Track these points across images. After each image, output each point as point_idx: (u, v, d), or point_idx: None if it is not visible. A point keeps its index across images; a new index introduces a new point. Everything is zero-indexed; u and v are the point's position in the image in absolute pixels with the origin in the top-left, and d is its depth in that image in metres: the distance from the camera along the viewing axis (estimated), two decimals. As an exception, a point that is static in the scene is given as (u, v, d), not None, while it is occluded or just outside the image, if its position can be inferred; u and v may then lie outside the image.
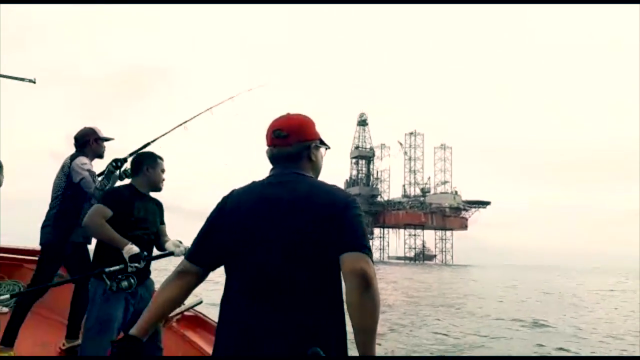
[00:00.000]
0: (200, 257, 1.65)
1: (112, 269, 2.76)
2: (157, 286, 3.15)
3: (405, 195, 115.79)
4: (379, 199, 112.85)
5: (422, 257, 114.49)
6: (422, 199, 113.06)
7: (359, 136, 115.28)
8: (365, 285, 1.42)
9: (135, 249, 2.81)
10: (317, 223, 1.52)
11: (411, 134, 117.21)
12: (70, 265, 3.70)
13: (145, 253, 2.92)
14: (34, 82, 5.44)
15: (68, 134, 3.88)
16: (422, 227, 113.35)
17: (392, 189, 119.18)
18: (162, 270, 3.04)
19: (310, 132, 1.74)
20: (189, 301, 3.95)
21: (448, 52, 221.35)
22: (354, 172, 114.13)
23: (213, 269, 1.67)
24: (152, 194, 3.13)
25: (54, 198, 3.62)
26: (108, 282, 2.72)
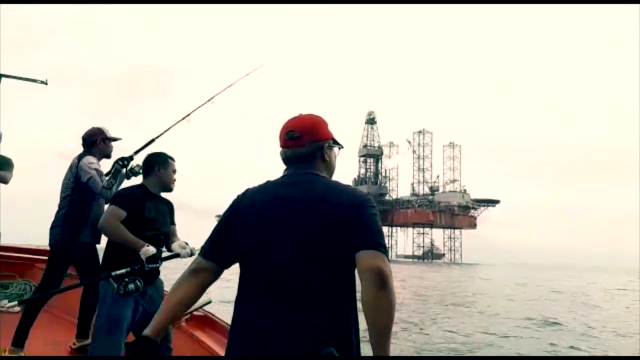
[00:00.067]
0: (216, 254, 1.63)
1: (118, 272, 2.76)
2: (166, 286, 3.19)
3: (413, 194, 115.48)
4: (387, 197, 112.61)
5: (430, 255, 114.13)
6: (430, 197, 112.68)
7: (367, 134, 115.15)
8: (382, 283, 1.41)
9: (152, 250, 2.83)
10: (332, 223, 1.52)
11: (420, 132, 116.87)
12: (79, 265, 3.71)
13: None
14: (46, 84, 5.46)
15: (76, 134, 3.88)
16: (431, 225, 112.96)
17: (400, 188, 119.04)
18: (170, 269, 3.06)
19: (324, 132, 1.73)
20: (198, 301, 3.95)
21: (456, 50, 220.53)
22: (362, 171, 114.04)
23: (227, 266, 1.65)
24: (163, 194, 3.14)
25: (63, 198, 3.63)
26: (115, 285, 2.72)
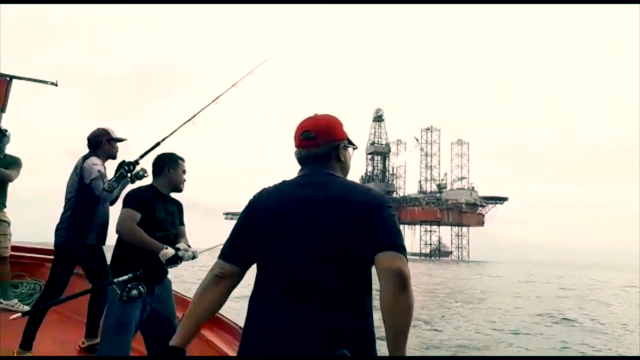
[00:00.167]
0: (237, 256, 1.61)
1: (121, 278, 2.76)
2: (173, 286, 3.19)
3: (421, 192, 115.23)
4: (394, 195, 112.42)
5: (437, 253, 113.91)
6: (438, 195, 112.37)
7: (375, 132, 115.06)
8: (401, 285, 1.40)
9: (170, 252, 2.84)
10: (349, 223, 1.50)
11: (427, 129, 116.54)
12: (86, 266, 3.71)
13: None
14: (56, 85, 5.50)
15: (86, 132, 3.87)
16: (438, 223, 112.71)
17: (408, 185, 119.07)
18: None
19: (339, 133, 1.72)
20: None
21: (464, 48, 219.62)
22: (370, 168, 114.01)
23: (249, 267, 1.63)
24: (172, 195, 3.14)
25: (68, 200, 3.62)
26: (118, 292, 2.73)
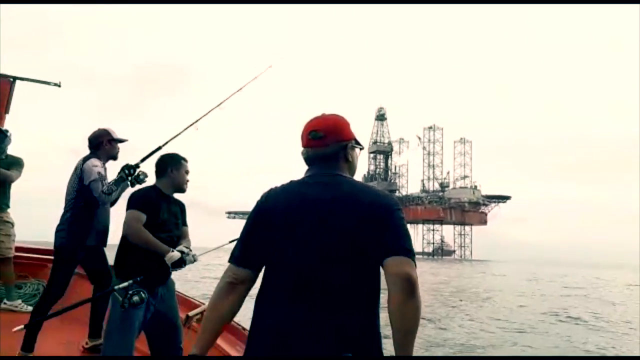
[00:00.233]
0: (248, 259, 1.60)
1: (121, 285, 2.76)
2: (177, 284, 3.20)
3: (423, 190, 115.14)
4: (396, 194, 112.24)
5: (440, 252, 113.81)
6: (440, 194, 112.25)
7: (377, 131, 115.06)
8: (410, 290, 1.41)
9: (176, 255, 2.84)
10: (358, 224, 1.50)
11: (430, 128, 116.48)
12: (86, 267, 3.71)
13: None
14: (59, 86, 5.51)
15: (85, 134, 3.85)
16: (441, 222, 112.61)
17: (410, 184, 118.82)
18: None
19: (347, 132, 1.71)
20: (209, 302, 3.95)
21: (467, 47, 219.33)
22: (372, 167, 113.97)
23: (261, 270, 1.61)
24: (175, 195, 3.14)
25: (67, 201, 3.61)
26: (120, 299, 2.73)
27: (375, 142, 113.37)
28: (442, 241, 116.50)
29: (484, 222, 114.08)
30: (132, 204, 2.93)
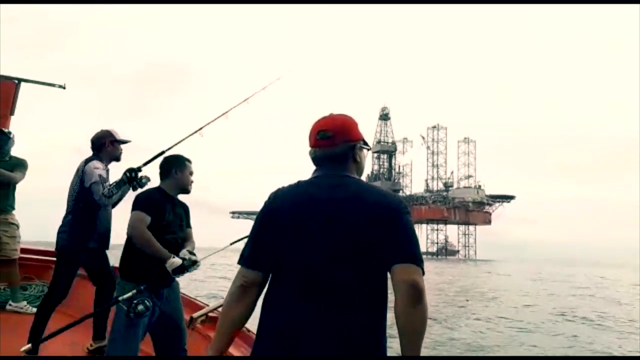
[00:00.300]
0: (258, 260, 1.60)
1: (125, 296, 2.76)
2: (183, 283, 3.20)
3: (427, 190, 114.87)
4: (400, 193, 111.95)
5: (444, 252, 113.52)
6: (445, 193, 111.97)
7: (381, 130, 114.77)
8: (416, 298, 1.43)
9: (177, 261, 2.84)
10: (366, 225, 1.51)
11: (434, 127, 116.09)
12: (88, 268, 3.72)
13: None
14: (64, 88, 5.53)
15: (88, 135, 3.85)
16: (445, 222, 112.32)
17: (414, 184, 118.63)
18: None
19: (355, 133, 1.71)
20: (214, 303, 3.96)
21: (471, 47, 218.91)
22: (376, 167, 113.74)
23: (271, 271, 1.61)
24: (180, 196, 3.14)
25: (69, 203, 3.61)
26: (125, 308, 2.73)
27: (379, 142, 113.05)
28: (446, 241, 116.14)
29: (488, 222, 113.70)
30: (136, 205, 2.93)
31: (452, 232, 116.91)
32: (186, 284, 3.38)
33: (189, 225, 3.19)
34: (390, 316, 1.48)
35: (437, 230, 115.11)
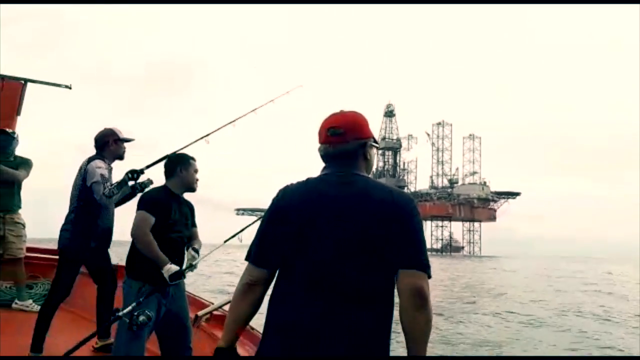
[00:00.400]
0: (266, 257, 1.60)
1: (125, 310, 2.76)
2: (189, 279, 3.20)
3: (432, 187, 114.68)
4: (405, 190, 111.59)
5: (449, 248, 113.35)
6: (449, 190, 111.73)
7: (386, 127, 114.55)
8: (420, 304, 1.44)
9: (174, 268, 2.83)
10: (374, 223, 1.51)
11: (439, 124, 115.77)
12: (90, 267, 3.73)
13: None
14: (70, 88, 5.55)
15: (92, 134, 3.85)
16: (450, 218, 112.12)
17: (419, 180, 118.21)
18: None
19: (366, 130, 1.70)
20: (218, 300, 3.97)
21: (476, 43, 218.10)
22: (381, 164, 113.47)
23: (277, 268, 1.61)
24: (185, 195, 3.14)
25: (72, 201, 3.62)
26: (127, 321, 2.73)
27: (383, 139, 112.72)
28: (451, 237, 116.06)
29: (493, 219, 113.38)
30: (141, 205, 2.94)
31: (456, 229, 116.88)
32: (192, 279, 3.38)
33: (194, 225, 3.20)
34: (396, 314, 1.50)
35: (442, 226, 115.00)
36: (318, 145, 1.70)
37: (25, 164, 4.63)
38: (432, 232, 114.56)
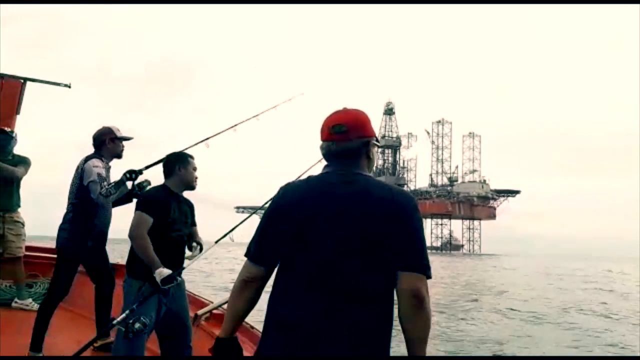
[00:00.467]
0: (264, 255, 1.60)
1: (119, 318, 2.76)
2: (191, 276, 3.19)
3: (432, 185, 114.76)
4: (405, 188, 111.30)
5: (448, 246, 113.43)
6: (449, 188, 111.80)
7: (386, 125, 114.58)
8: (418, 305, 1.45)
9: (165, 272, 2.80)
10: (374, 221, 1.50)
11: (439, 122, 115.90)
12: (87, 266, 3.71)
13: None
14: (69, 87, 5.53)
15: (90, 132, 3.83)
16: (449, 216, 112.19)
17: (418, 178, 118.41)
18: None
19: (369, 129, 1.69)
20: (218, 300, 3.96)
21: (476, 41, 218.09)
22: (380, 162, 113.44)
23: (276, 266, 1.61)
24: (185, 194, 3.13)
25: (69, 200, 3.60)
26: (122, 330, 2.72)
27: (383, 137, 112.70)
28: (451, 235, 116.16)
29: (493, 217, 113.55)
30: (139, 205, 2.94)
31: (456, 227, 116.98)
32: (193, 276, 3.37)
33: (194, 223, 3.19)
34: (397, 313, 1.50)
35: (442, 224, 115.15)
36: (320, 142, 1.68)
37: (23, 162, 4.62)
38: (432, 230, 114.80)
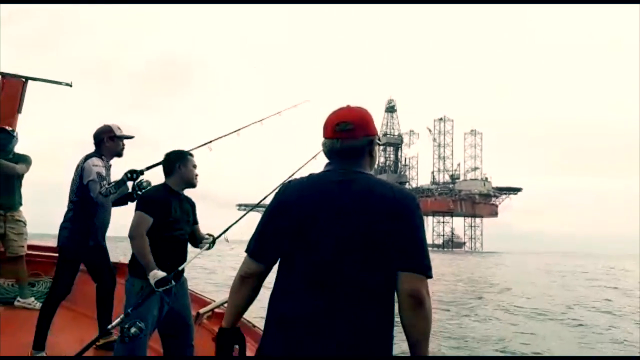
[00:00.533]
0: (263, 252, 1.60)
1: (114, 323, 2.77)
2: (193, 273, 3.20)
3: (434, 182, 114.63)
4: (406, 186, 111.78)
5: (450, 244, 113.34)
6: (451, 185, 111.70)
7: (387, 123, 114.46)
8: (417, 305, 1.45)
9: (160, 274, 2.78)
10: (375, 220, 1.49)
11: (440, 119, 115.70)
12: (88, 265, 3.71)
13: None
14: (70, 86, 5.53)
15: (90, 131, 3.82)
16: (451, 214, 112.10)
17: (420, 176, 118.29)
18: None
19: (373, 126, 1.68)
20: (220, 298, 3.96)
21: (478, 39, 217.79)
22: (382, 160, 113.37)
23: (275, 263, 1.62)
24: (186, 192, 3.13)
25: (70, 199, 3.60)
26: (119, 334, 2.72)
27: (385, 134, 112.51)
28: (452, 233, 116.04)
29: (495, 214, 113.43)
30: (139, 205, 2.93)
31: (458, 225, 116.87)
32: (195, 272, 3.37)
33: (196, 222, 3.18)
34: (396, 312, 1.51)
35: (443, 222, 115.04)
36: (322, 139, 1.67)
37: (24, 161, 4.63)
38: (434, 228, 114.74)
